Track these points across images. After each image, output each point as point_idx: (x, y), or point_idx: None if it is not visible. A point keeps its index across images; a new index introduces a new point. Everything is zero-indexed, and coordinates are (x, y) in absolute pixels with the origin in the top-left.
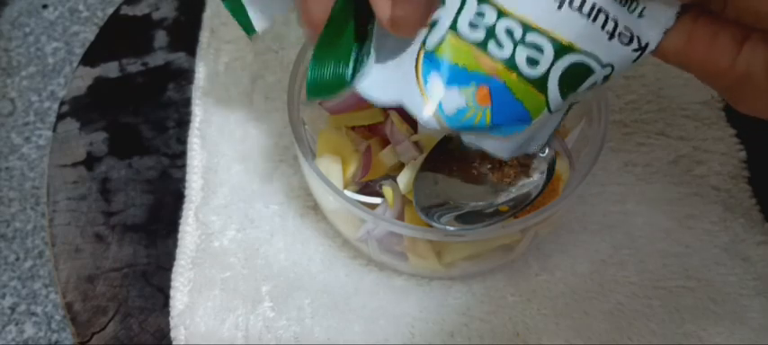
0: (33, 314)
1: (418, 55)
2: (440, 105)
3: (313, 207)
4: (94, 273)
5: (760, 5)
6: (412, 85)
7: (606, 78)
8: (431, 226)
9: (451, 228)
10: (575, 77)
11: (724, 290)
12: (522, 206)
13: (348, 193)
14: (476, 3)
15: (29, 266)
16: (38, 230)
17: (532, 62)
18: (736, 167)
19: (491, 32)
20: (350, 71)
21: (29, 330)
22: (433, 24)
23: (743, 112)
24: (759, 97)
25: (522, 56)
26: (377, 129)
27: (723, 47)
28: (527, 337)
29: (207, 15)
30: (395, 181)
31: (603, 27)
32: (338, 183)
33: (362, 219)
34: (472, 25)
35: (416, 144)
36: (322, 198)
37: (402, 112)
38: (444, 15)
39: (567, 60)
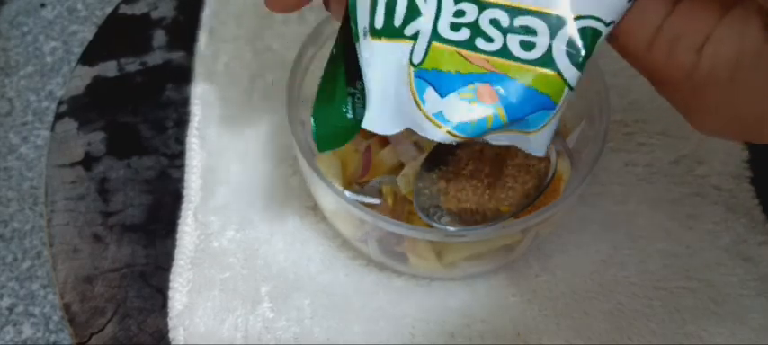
0: (31, 314)
1: (409, 75)
2: (444, 118)
3: (313, 208)
4: (93, 274)
5: None
6: (412, 108)
7: (610, 34)
8: (431, 227)
9: (452, 229)
10: (584, 43)
11: (725, 291)
12: (522, 206)
13: (348, 193)
14: (452, 2)
15: (27, 266)
16: (36, 230)
17: (528, 45)
18: (739, 167)
19: (476, 29)
20: (351, 116)
21: (27, 331)
22: (415, 37)
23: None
24: (715, 109)
25: (514, 42)
26: None
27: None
28: (528, 337)
29: (206, 15)
30: (395, 181)
31: None
32: (338, 183)
33: (362, 219)
34: (454, 26)
35: (416, 144)
36: (322, 198)
37: None
38: (423, 24)
39: (568, 31)
